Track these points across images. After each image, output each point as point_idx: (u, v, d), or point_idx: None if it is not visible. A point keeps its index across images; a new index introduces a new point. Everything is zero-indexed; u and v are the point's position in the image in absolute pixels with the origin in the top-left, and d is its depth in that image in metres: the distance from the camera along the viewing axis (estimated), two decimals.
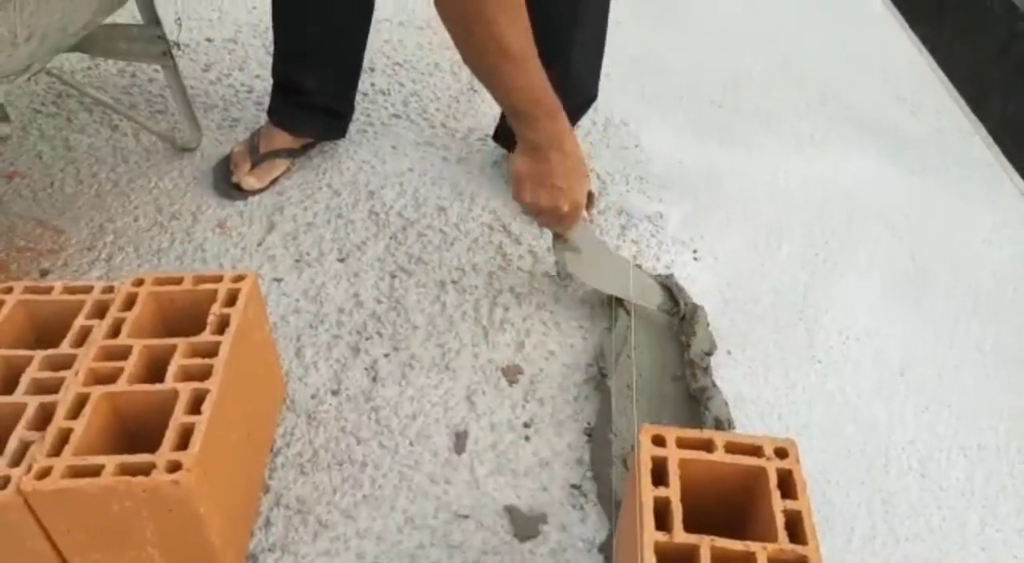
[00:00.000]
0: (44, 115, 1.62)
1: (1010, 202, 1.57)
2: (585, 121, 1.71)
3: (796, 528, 0.72)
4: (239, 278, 0.96)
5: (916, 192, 1.58)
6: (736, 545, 0.69)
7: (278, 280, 1.29)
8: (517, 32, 0.98)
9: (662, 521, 0.72)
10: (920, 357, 1.23)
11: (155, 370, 0.86)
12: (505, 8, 0.96)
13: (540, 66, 1.03)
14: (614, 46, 1.98)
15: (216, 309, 0.91)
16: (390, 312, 1.25)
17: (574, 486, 1.02)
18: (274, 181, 1.47)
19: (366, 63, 1.85)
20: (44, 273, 1.27)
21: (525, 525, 0.97)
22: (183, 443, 0.77)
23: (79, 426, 0.78)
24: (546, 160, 1.08)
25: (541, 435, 1.08)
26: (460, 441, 1.06)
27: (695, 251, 1.40)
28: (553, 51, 1.33)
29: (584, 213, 1.19)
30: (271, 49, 1.46)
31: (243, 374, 0.92)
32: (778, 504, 0.73)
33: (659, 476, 0.75)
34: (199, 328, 0.90)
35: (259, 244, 1.36)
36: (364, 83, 1.79)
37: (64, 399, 0.81)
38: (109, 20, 1.33)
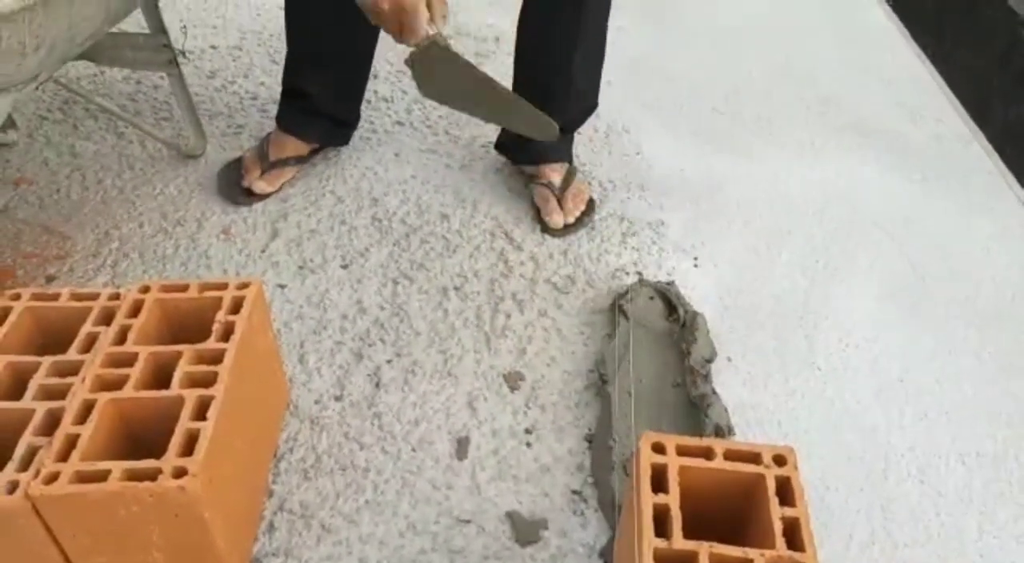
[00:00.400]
0: (51, 122, 1.63)
1: (1010, 210, 1.58)
2: (587, 128, 1.72)
3: (794, 535, 0.72)
4: (244, 285, 0.97)
5: (916, 199, 1.59)
6: (734, 551, 0.70)
7: (282, 286, 1.30)
8: None
9: (661, 528, 0.73)
10: (919, 364, 1.24)
11: (161, 376, 0.87)
12: None
13: None
14: (616, 53, 1.99)
15: (221, 316, 0.92)
16: (393, 318, 1.26)
17: (575, 492, 1.03)
18: (280, 187, 1.49)
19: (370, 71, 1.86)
20: (50, 279, 1.28)
21: (526, 530, 0.98)
22: (189, 449, 0.78)
23: (86, 432, 0.79)
24: None
25: (542, 441, 1.09)
26: (462, 447, 1.07)
27: (696, 258, 1.41)
28: (554, 66, 1.34)
29: (426, 21, 1.06)
30: (275, 56, 1.47)
31: (247, 380, 0.93)
32: (776, 511, 0.74)
33: (659, 483, 0.76)
34: (205, 335, 0.91)
35: (263, 250, 1.37)
36: (368, 90, 1.81)
37: (71, 405, 0.82)
38: (115, 28, 1.35)
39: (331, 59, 1.39)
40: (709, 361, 1.18)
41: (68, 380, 0.85)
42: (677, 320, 1.23)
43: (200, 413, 0.82)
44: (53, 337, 0.93)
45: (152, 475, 0.75)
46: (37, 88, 1.29)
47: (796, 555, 0.70)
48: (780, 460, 0.78)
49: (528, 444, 1.09)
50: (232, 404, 0.86)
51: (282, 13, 1.39)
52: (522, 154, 1.46)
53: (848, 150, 1.72)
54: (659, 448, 0.79)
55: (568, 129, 1.44)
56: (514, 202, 1.49)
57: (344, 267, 1.35)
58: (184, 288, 0.97)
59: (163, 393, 0.84)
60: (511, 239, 1.42)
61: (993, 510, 1.05)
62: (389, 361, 1.19)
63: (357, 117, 1.54)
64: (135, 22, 1.46)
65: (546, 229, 1.42)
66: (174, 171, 1.53)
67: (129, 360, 0.87)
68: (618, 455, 1.04)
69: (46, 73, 1.15)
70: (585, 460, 1.07)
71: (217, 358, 0.88)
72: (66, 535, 0.79)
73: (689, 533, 0.73)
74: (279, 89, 1.49)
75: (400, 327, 1.24)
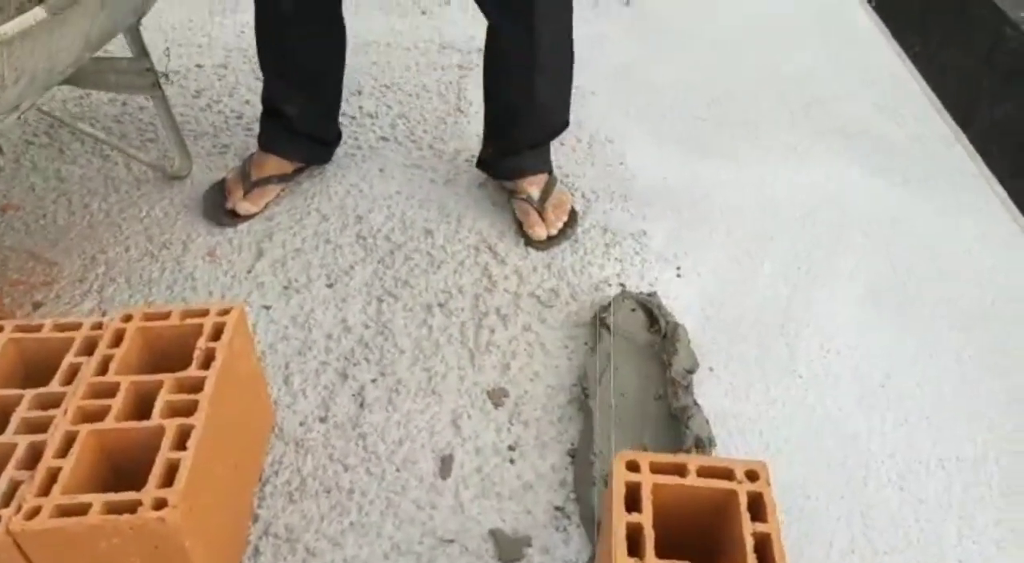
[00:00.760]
0: (36, 146, 1.64)
1: (993, 211, 1.59)
2: (570, 138, 1.73)
3: (765, 550, 0.73)
4: (225, 312, 0.98)
5: (900, 202, 1.59)
6: None
7: (267, 307, 1.32)
8: None
9: (635, 547, 0.74)
10: (900, 369, 1.25)
11: (143, 406, 0.88)
12: None
13: None
14: (601, 62, 2.01)
15: (202, 343, 0.94)
16: (377, 337, 1.27)
17: (557, 508, 1.04)
18: (265, 206, 1.50)
19: (354, 86, 1.88)
20: (37, 306, 1.30)
21: (509, 548, 0.99)
22: (169, 479, 0.79)
23: (67, 465, 0.80)
24: None
25: (526, 458, 1.10)
26: (446, 465, 1.08)
27: (678, 268, 1.41)
28: (516, 88, 1.37)
29: None
30: (260, 74, 1.48)
31: (230, 407, 0.94)
32: (748, 527, 0.75)
33: (633, 501, 0.77)
34: (187, 362, 0.92)
35: (248, 271, 1.38)
36: (352, 106, 1.82)
37: (53, 438, 0.83)
38: (99, 52, 1.36)
39: (302, 81, 1.42)
40: (691, 372, 1.19)
41: (51, 413, 0.86)
42: (659, 332, 1.24)
43: (180, 442, 0.83)
44: (36, 368, 0.94)
45: (132, 507, 0.76)
46: (19, 118, 1.30)
47: None
48: (752, 475, 0.79)
49: (511, 461, 1.10)
50: (213, 431, 0.87)
51: None
52: (500, 170, 1.48)
53: (833, 153, 1.73)
54: (633, 466, 0.80)
55: (537, 145, 1.45)
56: (498, 216, 1.50)
57: (329, 286, 1.36)
58: (166, 315, 0.98)
59: (144, 424, 0.85)
60: (495, 253, 1.43)
61: (972, 515, 1.05)
62: (374, 380, 1.20)
63: (336, 135, 1.56)
64: (119, 44, 1.47)
65: (529, 242, 1.43)
66: (160, 193, 1.54)
67: (111, 391, 0.88)
68: (599, 470, 1.05)
69: (28, 102, 1.17)
70: (568, 476, 1.08)
71: (197, 386, 0.89)
72: None
73: (664, 551, 0.74)
74: None
75: (384, 345, 1.25)
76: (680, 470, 0.79)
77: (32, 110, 1.67)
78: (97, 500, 0.77)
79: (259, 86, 1.55)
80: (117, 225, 1.46)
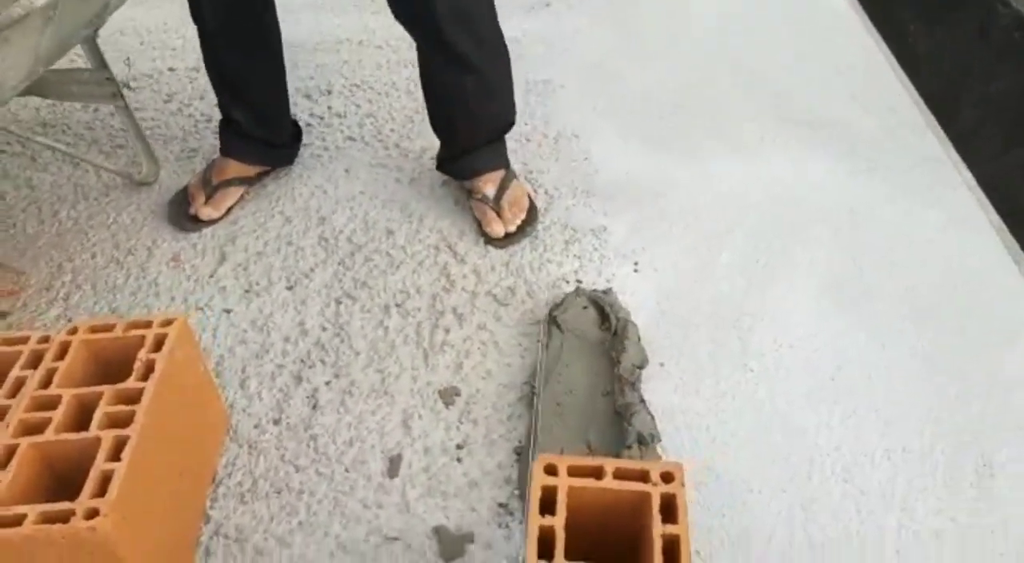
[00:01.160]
0: (8, 155, 1.67)
1: (959, 199, 1.57)
2: (536, 134, 1.74)
3: (674, 552, 0.75)
4: (167, 322, 1.00)
5: (863, 192, 1.59)
6: None
7: (228, 311, 1.34)
8: None
9: (548, 549, 0.76)
10: (852, 361, 1.26)
11: (84, 417, 0.91)
12: None
13: None
14: (572, 56, 2.01)
15: (143, 355, 0.96)
16: (334, 339, 1.29)
17: (501, 505, 1.06)
18: (229, 210, 1.52)
19: (324, 85, 1.90)
20: (3, 315, 1.33)
21: (451, 545, 1.01)
22: (103, 490, 0.82)
23: (6, 477, 0.83)
24: None
25: (473, 456, 1.12)
26: (394, 465, 1.11)
27: (636, 263, 1.42)
28: (446, 97, 1.38)
29: None
30: None
31: (172, 415, 0.96)
32: (658, 528, 0.76)
33: (549, 504, 0.79)
34: (131, 373, 0.95)
35: (211, 276, 1.40)
36: (321, 106, 1.84)
37: None
38: (61, 64, 1.38)
39: (239, 90, 1.45)
40: (640, 368, 1.20)
41: None
42: (609, 329, 1.25)
43: (115, 453, 0.85)
44: None
45: (65, 517, 0.79)
46: None
47: None
48: (668, 477, 0.80)
49: (459, 459, 1.12)
50: (152, 441, 0.90)
51: None
52: (455, 170, 1.49)
53: (798, 144, 1.72)
54: (551, 469, 0.81)
55: (482, 144, 1.46)
56: (459, 215, 1.52)
57: (289, 289, 1.38)
58: (111, 328, 1.00)
59: (81, 435, 0.87)
60: (455, 253, 1.44)
61: (914, 506, 1.06)
62: (328, 382, 1.22)
63: (291, 137, 1.58)
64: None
65: (489, 240, 1.45)
66: (127, 199, 1.57)
67: (53, 403, 0.91)
68: None
69: None
70: (513, 473, 1.10)
71: (135, 398, 0.91)
72: None
73: (580, 554, 0.76)
74: None
75: (340, 347, 1.27)
76: (597, 473, 0.81)
77: (4, 116, 1.70)
78: (32, 511, 0.80)
79: None
80: (84, 232, 1.49)
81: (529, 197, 1.51)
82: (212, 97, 1.84)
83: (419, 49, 1.36)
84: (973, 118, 1.81)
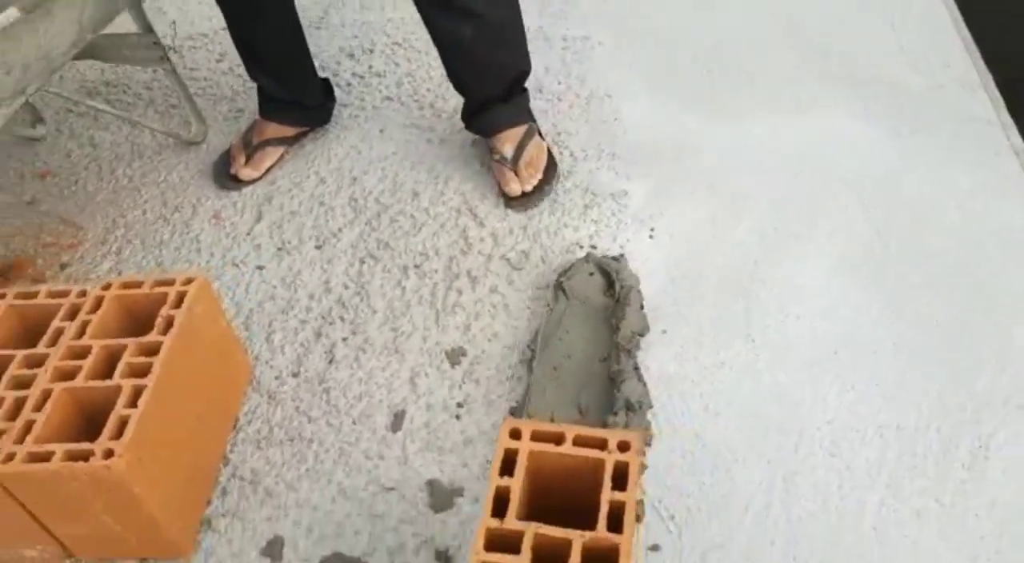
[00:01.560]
0: (75, 115, 1.80)
1: (1000, 164, 1.51)
2: (568, 94, 1.75)
3: (618, 518, 0.80)
4: (189, 281, 1.09)
5: (899, 156, 1.54)
6: (556, 532, 0.78)
7: (260, 268, 1.43)
8: None
9: (504, 509, 0.82)
10: (860, 334, 1.25)
11: (112, 366, 1.01)
12: None
13: None
14: (613, 13, 1.98)
15: (164, 311, 1.05)
16: (355, 297, 1.36)
17: (491, 462, 1.12)
18: (268, 170, 1.60)
19: (367, 44, 1.94)
20: (63, 266, 1.46)
21: (442, 498, 1.08)
22: (119, 433, 0.92)
23: (41, 418, 0.94)
24: None
25: (472, 414, 1.19)
26: (398, 420, 1.18)
27: (652, 230, 1.44)
28: (455, 51, 1.38)
29: None
30: None
31: (190, 367, 1.06)
32: (607, 495, 0.81)
33: (511, 466, 0.85)
34: (154, 327, 1.05)
35: (248, 233, 1.50)
36: (363, 65, 1.89)
37: (33, 393, 0.97)
38: (112, 29, 1.47)
39: (262, 60, 1.51)
40: (640, 335, 1.23)
41: (35, 371, 1.00)
42: (613, 295, 1.28)
43: (133, 400, 0.96)
44: (32, 331, 1.09)
45: (85, 456, 0.90)
46: (34, 93, 1.44)
47: (612, 536, 0.77)
48: (624, 446, 0.85)
49: (458, 417, 1.18)
50: (169, 390, 1.00)
51: None
52: (477, 125, 1.51)
53: (837, 104, 1.67)
54: (515, 434, 0.87)
55: (501, 99, 1.46)
56: (483, 177, 1.55)
57: (318, 248, 1.46)
58: (140, 285, 1.10)
59: (106, 383, 0.98)
60: (475, 215, 1.49)
61: (900, 484, 1.07)
62: (345, 339, 1.30)
63: (322, 98, 1.62)
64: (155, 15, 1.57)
65: (508, 202, 1.48)
66: (177, 158, 1.67)
67: (85, 352, 1.02)
68: None
69: (33, 85, 1.29)
70: None
71: (155, 350, 1.01)
72: (31, 504, 0.95)
73: (536, 515, 0.82)
74: None
75: (359, 306, 1.35)
76: (558, 439, 0.86)
77: (72, 77, 1.83)
78: (60, 449, 0.91)
79: None
80: (138, 189, 1.60)
81: (550, 154, 1.52)
82: None
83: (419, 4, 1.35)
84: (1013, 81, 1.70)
